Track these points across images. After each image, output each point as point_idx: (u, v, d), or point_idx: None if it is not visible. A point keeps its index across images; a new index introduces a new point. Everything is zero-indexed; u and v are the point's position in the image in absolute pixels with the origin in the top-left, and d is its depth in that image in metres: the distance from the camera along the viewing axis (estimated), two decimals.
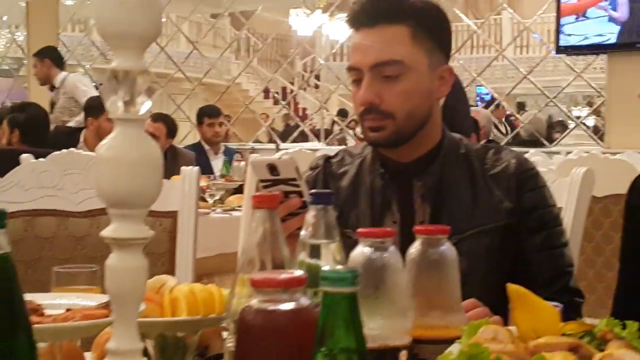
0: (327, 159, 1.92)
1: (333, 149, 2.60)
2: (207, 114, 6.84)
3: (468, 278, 1.61)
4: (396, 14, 1.73)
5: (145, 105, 0.95)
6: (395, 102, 1.72)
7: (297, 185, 1.46)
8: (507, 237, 1.75)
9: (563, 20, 6.72)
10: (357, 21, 1.77)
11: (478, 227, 1.74)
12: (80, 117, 6.57)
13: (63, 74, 7.17)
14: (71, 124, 6.65)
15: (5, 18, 11.01)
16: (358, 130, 11.66)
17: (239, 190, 5.31)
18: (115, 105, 0.94)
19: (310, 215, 1.16)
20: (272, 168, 1.44)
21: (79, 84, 7.13)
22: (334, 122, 11.29)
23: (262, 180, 1.47)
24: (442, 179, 1.78)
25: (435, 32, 1.78)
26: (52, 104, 7.14)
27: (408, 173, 1.79)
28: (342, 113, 12.14)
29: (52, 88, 7.22)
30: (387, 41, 1.72)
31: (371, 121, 1.74)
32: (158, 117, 6.10)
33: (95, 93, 6.86)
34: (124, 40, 0.94)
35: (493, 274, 1.70)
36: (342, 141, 9.74)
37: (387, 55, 1.72)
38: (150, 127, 5.80)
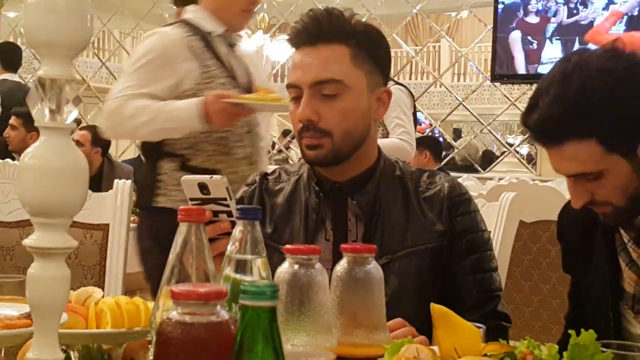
0: (264, 175, 1.93)
1: (271, 168, 2.63)
2: None
3: (398, 297, 1.65)
4: (337, 34, 1.75)
5: (71, 114, 0.94)
6: (333, 120, 1.74)
7: (227, 205, 1.45)
8: (437, 258, 1.77)
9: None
10: (299, 40, 1.78)
11: (409, 248, 1.76)
12: None
13: (4, 75, 6.39)
14: None
15: None
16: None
17: None
18: (41, 113, 0.94)
19: (238, 230, 1.16)
20: (203, 187, 1.43)
21: None
22: (274, 144, 11.30)
23: (192, 199, 1.45)
24: (376, 199, 1.79)
25: (375, 55, 1.80)
26: None
27: (343, 192, 1.81)
28: (286, 133, 12.15)
29: None
30: (327, 60, 1.74)
31: (309, 139, 1.76)
32: (84, 127, 6.10)
33: None
34: (52, 48, 0.94)
35: (423, 294, 1.71)
36: (284, 161, 9.73)
37: (327, 74, 1.73)
38: (75, 134, 5.79)
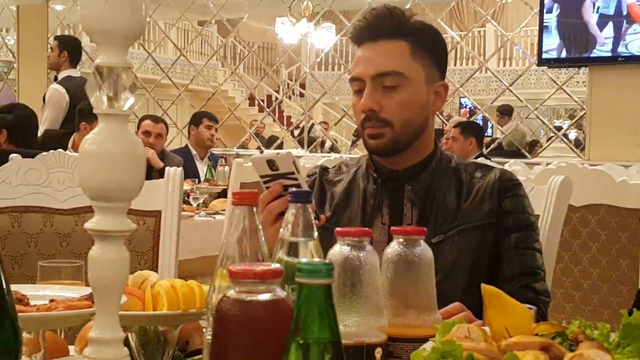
0: (324, 168, 2.05)
1: (317, 156, 2.61)
2: (207, 116, 6.92)
3: (450, 274, 1.78)
4: (397, 31, 1.88)
5: (128, 101, 0.97)
6: (393, 110, 1.85)
7: (296, 179, 1.54)
8: (486, 236, 1.85)
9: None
10: (361, 37, 1.91)
11: (460, 226, 1.85)
12: None
13: (68, 71, 6.81)
14: None
15: None
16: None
17: (222, 194, 5.33)
18: (99, 100, 0.97)
19: (290, 213, 1.18)
20: (271, 163, 1.52)
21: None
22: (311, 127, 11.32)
23: (263, 176, 1.55)
24: (431, 187, 1.90)
25: (433, 50, 1.92)
26: None
27: (400, 179, 1.91)
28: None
29: (55, 78, 6.91)
30: (388, 54, 1.87)
31: (371, 128, 1.87)
32: (158, 119, 6.30)
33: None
34: (108, 36, 0.96)
35: (474, 271, 1.81)
36: (331, 149, 9.72)
37: (388, 67, 1.85)
38: (157, 128, 6.06)
